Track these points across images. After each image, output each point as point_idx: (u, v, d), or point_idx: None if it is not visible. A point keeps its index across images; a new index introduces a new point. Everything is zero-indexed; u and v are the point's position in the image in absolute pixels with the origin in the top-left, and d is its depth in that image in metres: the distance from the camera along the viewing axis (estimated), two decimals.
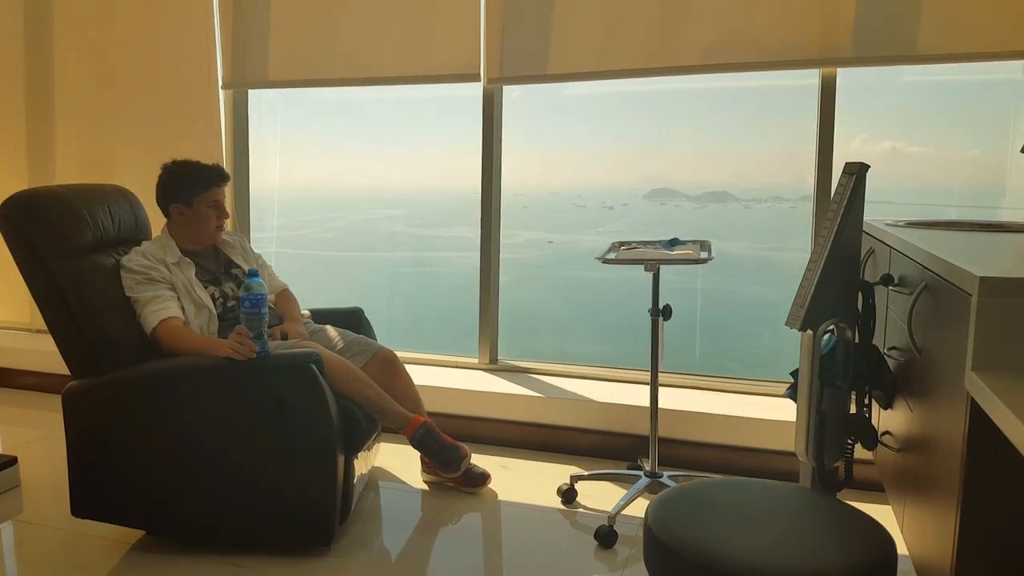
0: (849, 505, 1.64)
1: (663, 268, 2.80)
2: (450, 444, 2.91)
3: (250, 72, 4.11)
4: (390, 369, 3.02)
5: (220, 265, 2.93)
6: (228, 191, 2.96)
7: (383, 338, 3.28)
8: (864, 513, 1.60)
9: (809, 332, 2.04)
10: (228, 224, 2.97)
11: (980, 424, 1.39)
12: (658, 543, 1.50)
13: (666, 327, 2.89)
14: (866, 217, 2.21)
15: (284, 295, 3.11)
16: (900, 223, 2.60)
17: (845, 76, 3.28)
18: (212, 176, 2.87)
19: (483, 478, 3.07)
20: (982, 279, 1.35)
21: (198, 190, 2.83)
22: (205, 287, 2.80)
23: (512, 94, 3.92)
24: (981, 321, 1.36)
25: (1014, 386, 1.27)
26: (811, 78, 3.34)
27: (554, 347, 5.84)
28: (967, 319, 1.39)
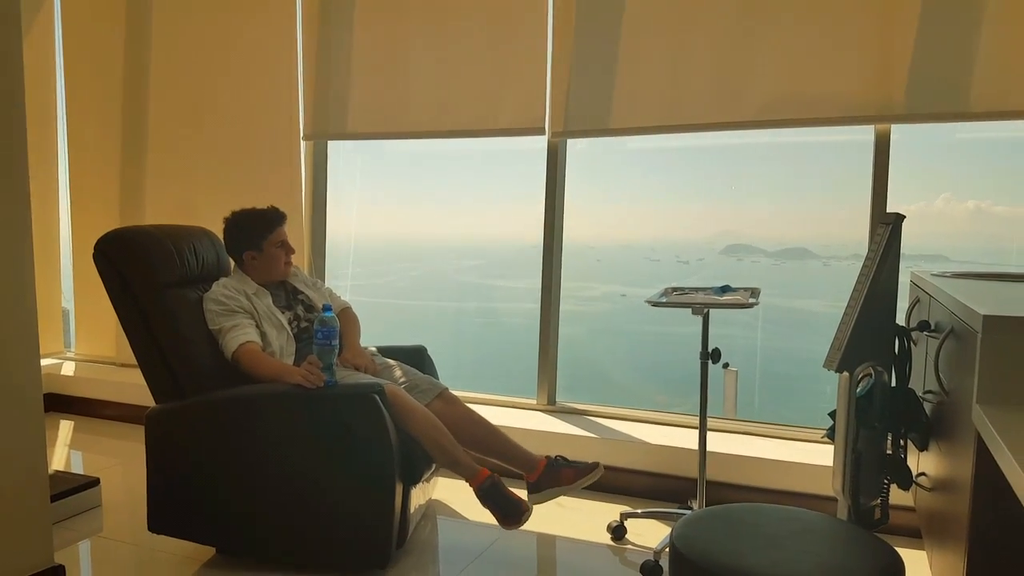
0: (865, 531, 1.70)
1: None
2: (514, 499, 2.93)
3: (330, 124, 4.38)
4: (452, 408, 3.08)
5: (288, 292, 3.18)
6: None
7: (448, 379, 3.35)
8: (878, 538, 1.66)
9: (846, 374, 2.13)
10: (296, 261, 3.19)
11: (987, 460, 1.45)
12: (678, 554, 1.60)
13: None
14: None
15: (345, 314, 3.28)
16: (947, 274, 2.65)
17: (925, 135, 3.29)
18: (273, 218, 3.12)
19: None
20: (985, 317, 1.44)
21: (265, 234, 3.09)
22: (282, 312, 3.05)
23: (576, 147, 4.08)
24: (985, 356, 1.44)
25: (1017, 419, 1.34)
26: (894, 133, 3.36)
27: (618, 396, 5.87)
28: (975, 355, 1.48)
